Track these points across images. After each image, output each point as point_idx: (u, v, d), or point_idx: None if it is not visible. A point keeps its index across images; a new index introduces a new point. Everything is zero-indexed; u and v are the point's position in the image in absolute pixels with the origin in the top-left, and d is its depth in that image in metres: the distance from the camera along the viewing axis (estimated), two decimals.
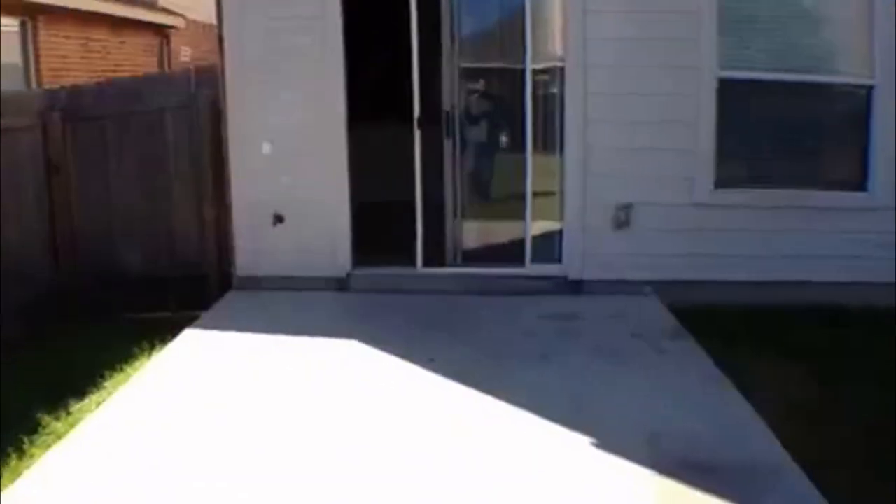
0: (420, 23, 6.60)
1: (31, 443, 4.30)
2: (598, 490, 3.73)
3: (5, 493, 3.69)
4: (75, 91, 7.34)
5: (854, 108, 6.74)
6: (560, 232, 6.80)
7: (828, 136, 6.94)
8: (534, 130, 6.70)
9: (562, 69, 6.61)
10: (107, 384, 5.08)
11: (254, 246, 6.82)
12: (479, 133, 7.16)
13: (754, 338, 5.74)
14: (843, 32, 6.84)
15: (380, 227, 7.00)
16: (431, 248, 6.87)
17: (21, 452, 4.18)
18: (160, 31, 14.47)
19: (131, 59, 13.25)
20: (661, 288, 6.53)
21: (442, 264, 6.92)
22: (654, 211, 6.62)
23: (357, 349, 5.44)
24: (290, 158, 6.72)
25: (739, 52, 6.64)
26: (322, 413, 4.51)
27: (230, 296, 6.72)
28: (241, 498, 3.66)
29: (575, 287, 6.70)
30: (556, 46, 6.74)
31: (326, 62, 6.60)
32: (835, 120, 6.92)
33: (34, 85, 10.72)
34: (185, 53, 15.10)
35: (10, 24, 10.71)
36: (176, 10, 14.59)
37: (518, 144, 6.79)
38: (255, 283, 6.77)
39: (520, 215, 6.82)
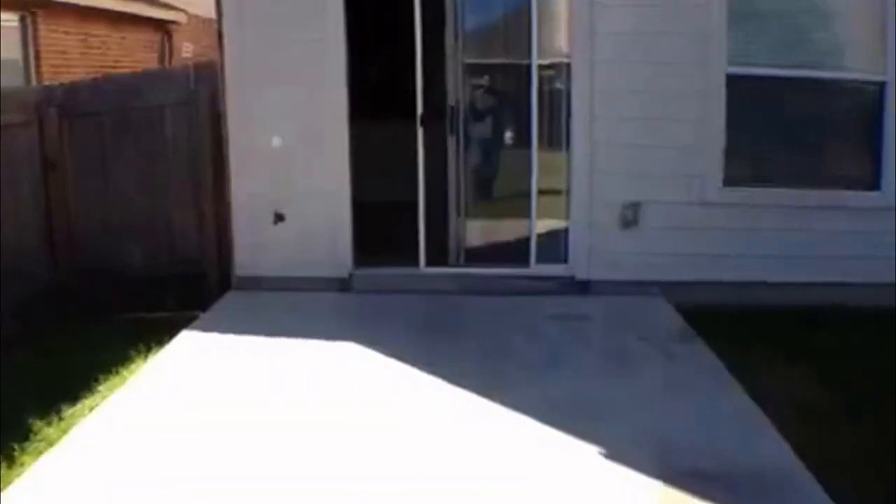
0: (423, 17, 6.48)
1: (23, 450, 4.19)
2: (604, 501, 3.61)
3: None
4: (72, 87, 7.27)
5: (866, 104, 6.63)
6: (566, 231, 6.70)
7: (839, 133, 6.84)
8: (539, 127, 6.60)
9: (568, 65, 6.52)
10: (101, 387, 4.98)
11: (254, 245, 6.72)
12: (483, 130, 7.06)
13: (767, 340, 5.61)
14: (854, 27, 6.74)
15: (382, 226, 6.91)
16: (434, 248, 6.77)
17: (11, 460, 4.08)
18: (161, 26, 14.37)
19: (131, 54, 13.15)
20: (669, 288, 6.42)
21: (445, 264, 6.83)
22: (662, 209, 6.51)
23: (358, 352, 5.33)
24: (290, 156, 6.60)
25: (749, 47, 6.54)
26: (320, 419, 4.39)
27: (229, 296, 6.62)
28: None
29: (581, 287, 6.59)
30: (563, 41, 6.64)
31: (328, 58, 6.48)
32: (846, 117, 6.81)
33: (34, 81, 10.64)
34: (186, 49, 14.99)
35: (9, 19, 10.62)
36: (177, 5, 14.48)
37: (523, 141, 6.70)
38: (256, 283, 6.66)
39: (525, 214, 6.71)
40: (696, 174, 6.49)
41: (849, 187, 6.71)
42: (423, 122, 6.60)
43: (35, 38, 10.95)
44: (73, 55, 11.64)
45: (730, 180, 6.51)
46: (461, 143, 6.77)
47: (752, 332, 5.73)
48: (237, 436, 4.18)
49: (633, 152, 6.46)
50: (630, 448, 3.97)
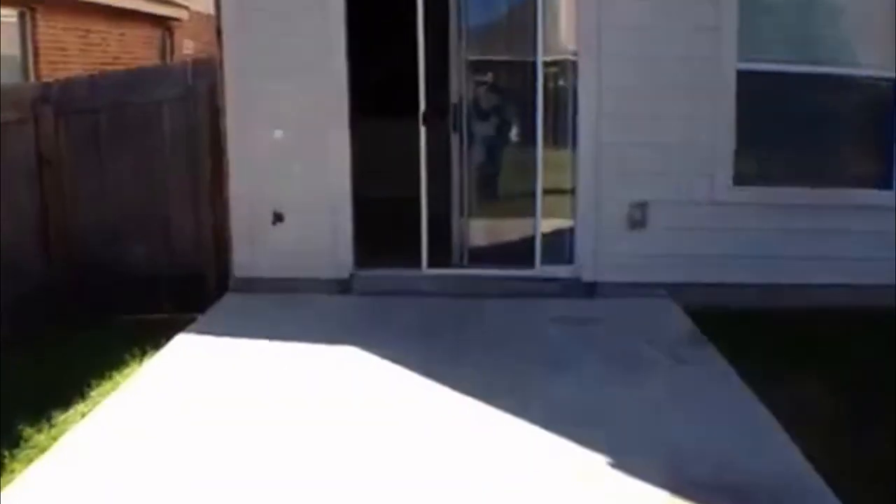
0: (426, 13, 6.36)
1: (13, 457, 4.08)
2: None
3: None
4: (68, 84, 7.19)
5: (879, 101, 6.52)
6: (571, 231, 6.58)
7: (852, 131, 6.76)
8: (544, 125, 6.48)
9: (574, 62, 6.41)
10: (94, 393, 4.86)
11: (252, 245, 6.60)
12: (487, 128, 6.96)
13: (780, 344, 5.48)
14: (867, 23, 6.60)
15: (383, 226, 6.81)
16: (437, 248, 6.66)
17: (0, 467, 3.96)
18: (162, 22, 14.29)
19: (131, 51, 13.07)
20: (678, 290, 6.31)
21: (448, 265, 6.72)
22: (670, 209, 6.39)
23: (357, 356, 5.21)
24: (290, 154, 6.49)
25: (760, 43, 6.43)
26: (318, 425, 4.26)
27: (227, 298, 6.50)
28: None
29: (587, 289, 6.47)
30: (569, 37, 6.52)
31: (328, 54, 6.37)
32: (858, 114, 6.72)
33: (32, 77, 10.56)
34: (187, 46, 14.90)
35: (8, 14, 10.53)
36: (179, 1, 14.37)
37: (528, 139, 6.60)
38: (254, 285, 6.54)
39: (529, 214, 6.59)
40: (706, 173, 6.38)
41: (861, 186, 6.58)
42: (425, 120, 6.48)
43: (34, 34, 10.88)
44: (73, 51, 11.56)
45: (740, 179, 6.40)
46: (464, 141, 6.66)
47: (763, 336, 5.60)
48: (235, 437, 4.09)
49: (641, 150, 6.33)
50: (636, 456, 3.85)
